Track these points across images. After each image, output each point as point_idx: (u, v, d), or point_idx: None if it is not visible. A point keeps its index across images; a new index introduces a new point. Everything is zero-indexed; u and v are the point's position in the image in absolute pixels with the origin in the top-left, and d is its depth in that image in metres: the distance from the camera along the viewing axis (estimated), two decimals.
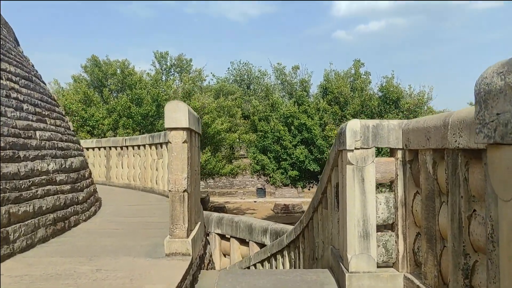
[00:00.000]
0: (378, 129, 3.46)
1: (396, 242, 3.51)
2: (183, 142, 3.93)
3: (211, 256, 5.92)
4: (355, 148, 3.45)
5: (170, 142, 3.95)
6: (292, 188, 27.29)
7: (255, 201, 43.22)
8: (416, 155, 3.35)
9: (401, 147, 3.47)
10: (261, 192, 45.83)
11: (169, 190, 3.93)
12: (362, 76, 23.50)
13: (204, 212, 14.53)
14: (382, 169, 3.51)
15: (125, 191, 11.41)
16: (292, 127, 22.82)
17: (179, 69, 39.57)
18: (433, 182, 3.02)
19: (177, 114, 3.90)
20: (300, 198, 42.44)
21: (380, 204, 3.52)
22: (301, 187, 24.22)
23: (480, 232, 2.47)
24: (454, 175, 2.68)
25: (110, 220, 6.39)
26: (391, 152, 3.59)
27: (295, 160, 22.46)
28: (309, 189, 26.87)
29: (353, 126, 3.44)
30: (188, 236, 3.99)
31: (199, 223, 4.85)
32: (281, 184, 23.75)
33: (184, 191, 3.92)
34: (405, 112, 22.01)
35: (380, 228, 3.62)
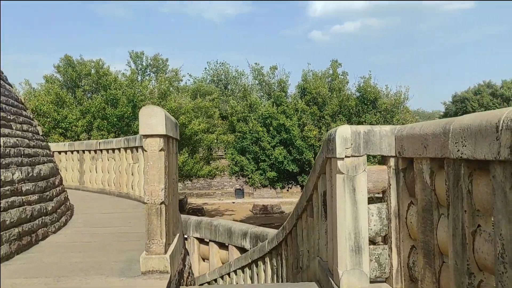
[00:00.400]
0: (370, 136, 3.24)
1: (389, 256, 3.30)
2: (160, 150, 3.63)
3: (190, 267, 5.63)
4: (346, 156, 3.22)
5: (146, 150, 3.64)
6: (270, 188, 27.11)
7: (233, 202, 42.90)
8: (411, 163, 3.15)
9: (394, 154, 3.26)
10: (240, 193, 45.54)
11: (145, 202, 3.63)
12: (339, 77, 23.49)
13: (182, 215, 14.18)
14: (374, 178, 3.29)
15: (99, 197, 10.96)
16: (271, 128, 22.63)
17: (155, 69, 38.93)
18: (431, 193, 2.81)
19: (153, 119, 3.60)
20: (279, 198, 42.34)
21: (372, 215, 3.30)
22: (280, 188, 24.06)
23: (487, 250, 2.26)
24: (456, 187, 2.47)
25: (82, 231, 6.01)
26: (383, 160, 3.38)
27: (274, 161, 22.27)
28: (287, 190, 26.76)
29: (344, 133, 3.21)
30: (166, 251, 3.69)
31: (178, 234, 4.55)
32: (260, 185, 23.53)
33: (161, 203, 3.62)
34: (382, 112, 22.10)
35: (372, 240, 3.41)
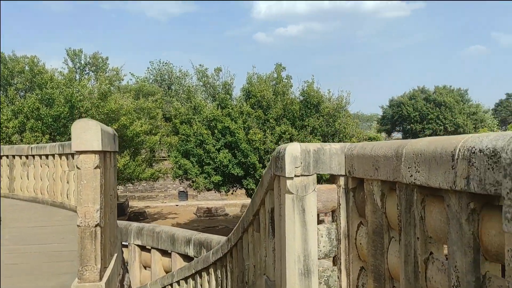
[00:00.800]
0: (320, 154, 3.13)
1: (338, 277, 3.21)
2: (95, 168, 3.32)
3: (130, 286, 5.29)
4: (295, 175, 3.09)
5: (79, 168, 3.32)
6: (215, 192, 26.85)
7: (177, 205, 42.09)
8: (361, 183, 3.07)
9: (344, 173, 3.18)
10: (183, 195, 44.78)
11: (78, 225, 3.30)
12: (283, 80, 23.67)
13: (123, 222, 13.60)
14: (324, 198, 3.20)
15: (31, 206, 10.20)
16: (216, 131, 22.38)
17: (94, 67, 37.32)
18: (382, 216, 2.74)
19: (87, 134, 3.28)
20: (223, 200, 42.07)
21: (322, 236, 3.20)
22: (225, 191, 23.85)
23: (440, 280, 2.20)
24: (409, 213, 2.41)
25: (9, 250, 5.47)
26: (333, 179, 3.29)
27: (219, 164, 22.03)
28: (232, 193, 26.62)
29: (293, 151, 3.08)
30: (101, 278, 3.38)
31: (116, 254, 4.24)
32: (204, 189, 23.19)
33: (96, 226, 3.31)
34: (325, 116, 22.51)
35: (321, 262, 3.31)
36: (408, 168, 2.34)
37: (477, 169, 1.82)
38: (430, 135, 55.66)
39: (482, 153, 1.79)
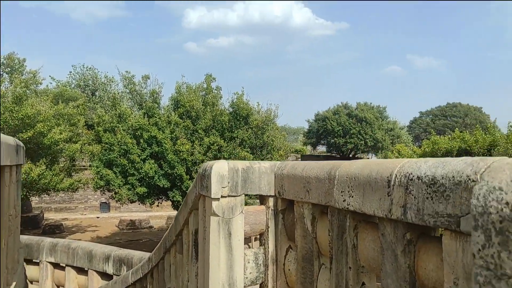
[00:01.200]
0: (249, 173, 2.92)
1: None
2: None
3: None
4: (222, 196, 2.85)
5: None
6: (139, 204, 25.81)
7: (98, 217, 39.92)
8: (291, 204, 2.91)
9: (274, 194, 2.99)
10: (105, 206, 42.64)
11: None
12: (213, 91, 23.45)
13: (35, 237, 12.48)
14: (251, 220, 2.98)
15: None
16: (141, 140, 21.54)
17: (9, 69, 34.63)
18: (312, 241, 2.58)
19: None
20: (148, 212, 40.61)
21: (249, 262, 2.98)
22: (150, 203, 22.97)
23: None
24: (341, 240, 2.26)
25: None
26: (261, 200, 3.09)
27: (144, 175, 21.18)
28: (157, 205, 25.73)
29: (220, 170, 2.84)
30: None
31: (15, 283, 3.70)
32: (127, 201, 22.15)
33: None
34: (254, 129, 22.57)
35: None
36: (341, 192, 2.20)
37: (415, 197, 1.70)
38: (352, 149, 58.21)
39: (420, 181, 1.67)
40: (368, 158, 52.36)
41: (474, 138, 16.64)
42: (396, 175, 1.81)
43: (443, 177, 1.56)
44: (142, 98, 24.39)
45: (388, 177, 1.85)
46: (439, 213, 1.56)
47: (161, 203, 25.28)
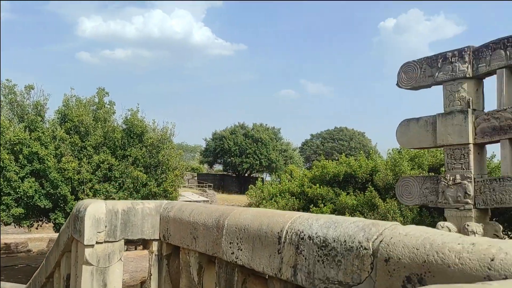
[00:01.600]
0: (130, 215, 2.62)
1: None
2: None
3: None
4: (97, 242, 2.51)
5: None
6: (15, 226, 23.26)
7: None
8: (177, 249, 2.66)
9: (158, 237, 2.72)
10: None
11: None
12: (106, 106, 22.25)
13: None
14: (131, 267, 2.66)
15: None
16: (21, 156, 19.50)
17: None
18: None
19: None
20: (27, 234, 36.81)
21: None
22: (28, 226, 20.80)
23: None
24: None
25: None
26: (145, 243, 2.80)
27: (22, 195, 19.14)
28: (36, 228, 23.44)
29: (96, 212, 2.50)
30: None
31: None
32: (1, 223, 19.79)
33: None
34: (148, 147, 21.79)
35: None
36: (230, 243, 2.02)
37: (305, 258, 1.57)
38: (247, 168, 59.28)
39: (311, 241, 1.55)
40: (262, 178, 53.68)
41: (358, 164, 17.85)
42: (287, 231, 1.68)
43: (334, 240, 1.45)
44: (23, 110, 22.20)
45: (279, 232, 1.72)
46: (330, 279, 1.45)
47: (40, 226, 23.08)
